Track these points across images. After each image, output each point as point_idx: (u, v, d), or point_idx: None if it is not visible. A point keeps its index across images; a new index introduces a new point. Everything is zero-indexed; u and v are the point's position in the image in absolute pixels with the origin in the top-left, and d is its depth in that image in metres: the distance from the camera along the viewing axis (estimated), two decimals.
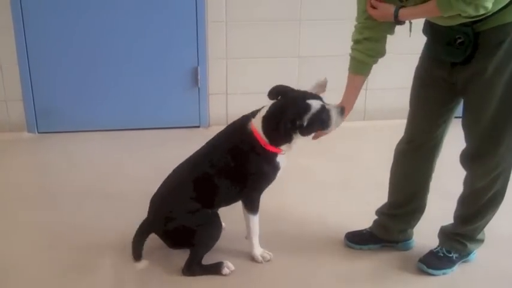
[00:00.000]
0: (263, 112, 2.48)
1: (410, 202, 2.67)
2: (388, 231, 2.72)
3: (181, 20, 4.10)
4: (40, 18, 3.98)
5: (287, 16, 4.24)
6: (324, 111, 2.43)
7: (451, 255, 2.57)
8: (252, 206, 2.57)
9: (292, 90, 2.54)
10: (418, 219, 2.72)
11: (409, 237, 2.75)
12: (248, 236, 2.64)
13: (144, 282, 2.50)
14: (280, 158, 2.51)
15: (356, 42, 2.47)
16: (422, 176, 2.63)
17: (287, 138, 2.43)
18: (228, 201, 2.61)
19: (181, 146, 3.98)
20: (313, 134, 2.51)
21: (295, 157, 3.80)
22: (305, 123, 2.39)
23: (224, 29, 4.17)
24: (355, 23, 2.47)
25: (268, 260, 2.62)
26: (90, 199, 3.25)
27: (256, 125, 2.46)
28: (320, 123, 2.44)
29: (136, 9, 4.05)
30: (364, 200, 3.18)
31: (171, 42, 4.14)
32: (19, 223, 3.00)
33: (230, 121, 4.24)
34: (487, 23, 2.16)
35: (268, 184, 2.57)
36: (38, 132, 4.22)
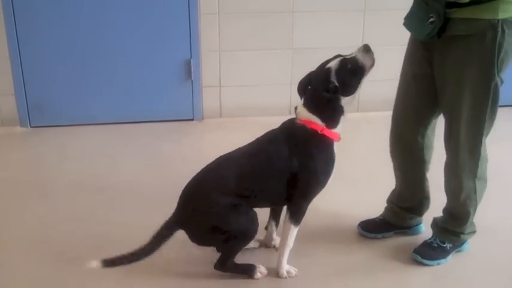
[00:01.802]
0: (301, 104, 2.43)
1: (414, 193, 2.70)
2: (400, 218, 2.75)
3: (173, 12, 4.09)
4: (31, 11, 3.95)
5: (280, 8, 4.23)
6: (346, 62, 2.36)
7: (444, 245, 2.59)
8: (297, 216, 2.39)
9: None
10: (427, 206, 2.73)
11: (420, 222, 2.79)
12: (279, 248, 2.47)
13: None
14: (335, 148, 2.42)
15: None
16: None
17: (336, 108, 2.36)
18: (272, 202, 2.49)
19: (175, 139, 4.01)
20: (359, 88, 2.42)
21: None
22: (336, 82, 2.33)
23: (217, 21, 4.16)
24: None
25: (293, 276, 2.46)
26: (84, 193, 3.24)
27: (303, 115, 2.38)
28: (351, 73, 2.37)
29: (129, 2, 4.03)
30: (357, 190, 3.19)
31: (163, 35, 4.13)
32: (12, 217, 3.00)
33: (224, 113, 4.32)
34: (459, 12, 2.17)
35: (322, 187, 2.41)
36: (31, 127, 4.21)
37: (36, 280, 2.48)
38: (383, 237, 2.77)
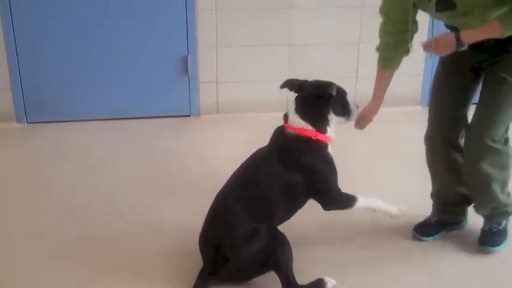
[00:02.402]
0: (292, 108, 2.44)
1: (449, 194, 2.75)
2: (452, 213, 2.78)
3: (170, 8, 4.08)
4: (28, 7, 3.94)
5: (277, 4, 4.23)
6: (344, 93, 2.50)
7: (501, 226, 2.66)
8: (340, 204, 2.42)
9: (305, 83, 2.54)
10: (470, 202, 2.74)
11: (466, 215, 2.82)
12: (380, 212, 2.47)
13: None
14: (330, 149, 2.46)
15: (384, 46, 2.57)
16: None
17: (325, 118, 2.41)
18: (292, 210, 2.43)
19: (172, 135, 4.00)
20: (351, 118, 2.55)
21: None
22: (334, 93, 2.41)
23: (214, 17, 4.15)
24: (382, 17, 2.53)
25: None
26: (81, 189, 3.24)
27: (296, 123, 2.40)
28: (343, 104, 2.49)
29: None
30: (356, 189, 3.19)
31: (160, 31, 4.12)
32: (10, 213, 2.99)
33: (221, 110, 4.32)
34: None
35: (336, 175, 2.44)
36: (27, 123, 4.20)
37: (33, 277, 2.48)
38: (439, 237, 2.78)
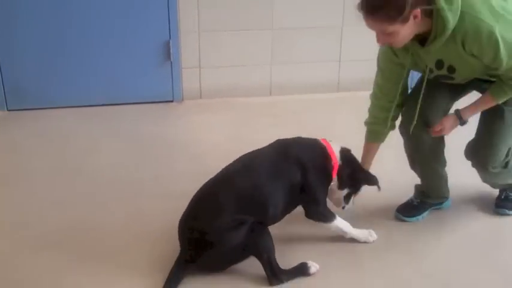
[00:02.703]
0: (337, 144, 2.62)
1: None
2: (436, 195, 2.82)
3: None
4: None
5: None
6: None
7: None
8: (321, 217, 2.51)
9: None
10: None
11: (449, 195, 2.88)
12: (346, 236, 2.59)
13: None
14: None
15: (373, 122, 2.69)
16: None
17: (350, 183, 2.60)
18: (284, 209, 2.47)
19: (155, 121, 3.98)
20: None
21: (269, 129, 3.83)
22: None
23: (196, 1, 4.11)
24: (375, 95, 2.64)
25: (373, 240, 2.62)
26: (64, 176, 3.22)
27: (333, 146, 2.58)
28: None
29: None
30: None
31: (142, 16, 4.07)
32: None
33: (204, 95, 4.30)
34: None
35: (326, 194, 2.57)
36: (8, 110, 4.14)
37: (14, 264, 2.46)
38: (423, 219, 2.81)
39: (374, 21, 2.16)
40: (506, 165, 2.62)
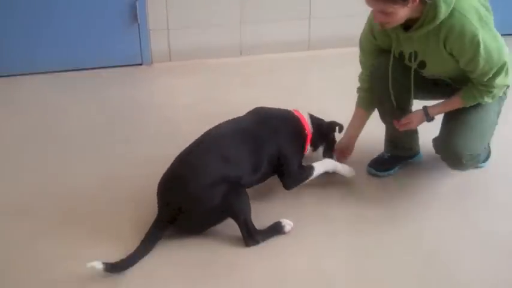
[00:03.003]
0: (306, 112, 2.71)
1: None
2: (405, 148, 2.86)
3: None
4: None
5: None
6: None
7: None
8: (301, 179, 2.59)
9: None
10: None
11: (419, 147, 2.92)
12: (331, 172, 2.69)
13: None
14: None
15: (362, 89, 2.76)
16: None
17: (321, 142, 2.73)
18: (257, 176, 2.52)
19: (124, 85, 3.93)
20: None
21: (241, 90, 3.81)
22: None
23: None
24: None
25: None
26: (34, 142, 3.18)
27: (304, 115, 2.67)
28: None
29: None
30: None
31: None
32: None
33: (173, 57, 4.24)
34: None
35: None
36: None
37: None
38: (394, 172, 2.86)
39: (378, 1, 2.23)
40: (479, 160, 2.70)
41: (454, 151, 2.52)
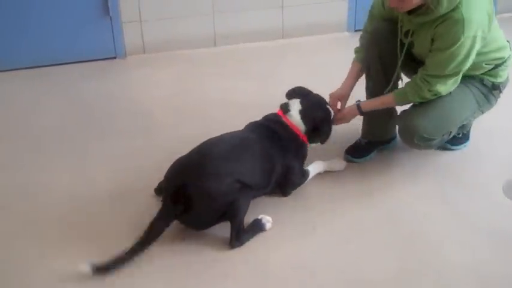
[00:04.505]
0: (296, 107, 2.61)
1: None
2: (381, 133, 2.90)
3: None
4: None
5: None
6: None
7: (465, 131, 2.94)
8: (300, 184, 2.63)
9: (310, 92, 2.72)
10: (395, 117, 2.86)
11: (395, 133, 2.93)
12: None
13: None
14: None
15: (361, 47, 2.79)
16: None
17: (317, 134, 2.64)
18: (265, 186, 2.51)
19: (99, 79, 3.89)
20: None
21: (216, 80, 3.80)
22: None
23: None
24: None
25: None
26: (7, 140, 3.13)
27: (293, 119, 2.59)
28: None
29: None
30: None
31: None
32: None
33: (147, 49, 4.21)
34: None
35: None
36: None
37: None
38: (370, 158, 2.88)
39: None
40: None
41: (408, 128, 2.57)
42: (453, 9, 2.33)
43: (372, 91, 2.75)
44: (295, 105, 2.61)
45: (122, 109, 3.47)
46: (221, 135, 2.52)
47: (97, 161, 2.92)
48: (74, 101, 3.58)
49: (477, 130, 2.99)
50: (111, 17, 4.07)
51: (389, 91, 2.66)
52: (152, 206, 2.47)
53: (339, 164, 2.79)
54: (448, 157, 2.89)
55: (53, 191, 2.69)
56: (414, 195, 2.65)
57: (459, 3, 2.32)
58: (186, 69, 4.00)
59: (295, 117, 2.59)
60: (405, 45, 2.58)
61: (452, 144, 2.91)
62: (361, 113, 2.68)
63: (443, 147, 2.90)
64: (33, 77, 3.92)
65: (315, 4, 4.36)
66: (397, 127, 2.77)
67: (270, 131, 2.56)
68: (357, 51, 2.81)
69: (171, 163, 2.40)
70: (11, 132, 3.22)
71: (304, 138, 2.61)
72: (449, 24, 2.35)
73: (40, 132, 3.21)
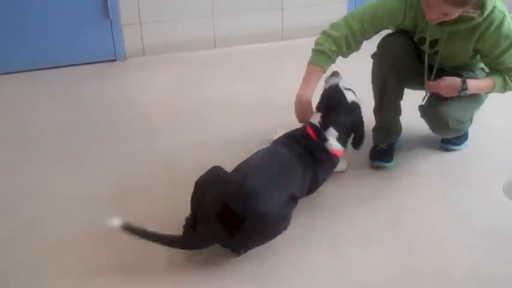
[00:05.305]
0: (333, 135, 2.48)
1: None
2: (392, 133, 2.89)
3: None
4: None
5: None
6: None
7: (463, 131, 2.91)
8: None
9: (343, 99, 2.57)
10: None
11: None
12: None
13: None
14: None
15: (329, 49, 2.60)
16: None
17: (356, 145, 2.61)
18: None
19: (99, 82, 3.89)
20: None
21: (216, 82, 3.80)
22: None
23: None
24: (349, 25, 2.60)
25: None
26: (7, 143, 3.12)
27: (335, 146, 2.48)
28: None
29: None
30: (285, 118, 3.21)
31: None
32: None
33: (147, 52, 4.21)
34: None
35: None
36: None
37: None
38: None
39: (447, 5, 2.27)
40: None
41: (442, 114, 2.63)
42: (492, 10, 2.38)
43: (386, 105, 2.76)
44: (331, 133, 2.48)
45: (121, 112, 3.47)
46: (256, 154, 2.41)
47: (96, 164, 2.92)
48: (73, 104, 3.58)
49: (477, 130, 2.99)
50: (110, 20, 4.07)
51: (424, 98, 2.72)
52: (152, 210, 2.48)
53: (341, 164, 2.75)
54: (448, 157, 2.90)
55: (51, 194, 2.69)
56: (414, 195, 2.65)
57: (494, 2, 2.38)
58: (185, 72, 4.00)
59: (335, 145, 2.47)
60: (426, 54, 2.60)
61: (453, 144, 2.91)
62: (463, 87, 2.57)
63: (444, 148, 2.91)
64: (33, 80, 3.92)
65: (314, 6, 4.36)
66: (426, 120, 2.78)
67: (307, 151, 2.44)
68: (324, 51, 2.60)
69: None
70: (9, 135, 3.21)
71: (340, 154, 2.54)
72: (497, 27, 2.42)
73: (39, 134, 3.20)
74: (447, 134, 2.80)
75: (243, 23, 4.32)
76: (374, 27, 2.59)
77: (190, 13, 4.20)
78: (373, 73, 2.77)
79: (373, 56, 2.78)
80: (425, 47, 2.58)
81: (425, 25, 2.52)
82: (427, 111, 2.72)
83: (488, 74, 2.64)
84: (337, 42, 2.59)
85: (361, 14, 2.59)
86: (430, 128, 2.78)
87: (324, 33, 2.64)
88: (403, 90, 2.75)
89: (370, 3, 2.60)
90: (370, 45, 2.74)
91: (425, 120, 2.76)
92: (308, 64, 2.65)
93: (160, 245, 2.17)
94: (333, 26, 2.64)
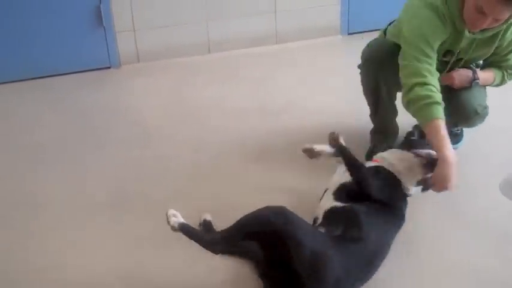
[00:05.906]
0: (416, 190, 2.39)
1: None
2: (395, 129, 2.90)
3: None
4: None
5: None
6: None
7: (458, 130, 2.99)
8: None
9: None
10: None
11: None
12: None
13: None
14: None
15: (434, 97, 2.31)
16: None
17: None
18: None
19: (94, 89, 3.89)
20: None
21: (211, 87, 3.80)
22: None
23: None
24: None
25: None
26: (5, 154, 3.11)
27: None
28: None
29: None
30: (281, 119, 3.22)
31: None
32: None
33: (142, 58, 4.22)
34: None
35: None
36: None
37: None
38: None
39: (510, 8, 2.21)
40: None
41: (467, 103, 2.66)
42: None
43: (381, 110, 2.77)
44: (415, 190, 2.39)
45: (118, 118, 3.47)
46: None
47: (94, 171, 2.91)
48: (69, 112, 3.57)
49: (477, 130, 2.99)
50: (104, 27, 4.07)
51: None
52: (150, 216, 2.47)
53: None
54: None
55: (50, 201, 2.68)
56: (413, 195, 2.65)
57: None
58: (180, 77, 4.00)
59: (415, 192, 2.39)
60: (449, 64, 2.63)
61: (453, 143, 2.90)
62: (475, 77, 2.65)
63: None
64: (28, 89, 3.91)
65: (308, 8, 4.37)
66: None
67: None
68: (435, 102, 2.30)
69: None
70: (6, 144, 3.20)
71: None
72: None
73: (36, 143, 3.19)
74: (475, 123, 2.76)
75: (237, 27, 4.32)
76: (431, 46, 2.39)
77: (184, 18, 4.20)
78: (363, 83, 2.78)
79: (360, 66, 2.78)
80: (451, 58, 2.58)
81: (457, 36, 2.45)
82: (449, 107, 2.58)
83: (484, 67, 2.71)
84: (429, 82, 2.34)
85: (414, 45, 2.38)
86: (456, 122, 2.79)
87: (415, 85, 2.34)
88: (395, 92, 2.74)
89: (404, 31, 2.44)
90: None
91: (451, 118, 2.52)
92: (431, 120, 2.30)
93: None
94: (408, 73, 2.39)
